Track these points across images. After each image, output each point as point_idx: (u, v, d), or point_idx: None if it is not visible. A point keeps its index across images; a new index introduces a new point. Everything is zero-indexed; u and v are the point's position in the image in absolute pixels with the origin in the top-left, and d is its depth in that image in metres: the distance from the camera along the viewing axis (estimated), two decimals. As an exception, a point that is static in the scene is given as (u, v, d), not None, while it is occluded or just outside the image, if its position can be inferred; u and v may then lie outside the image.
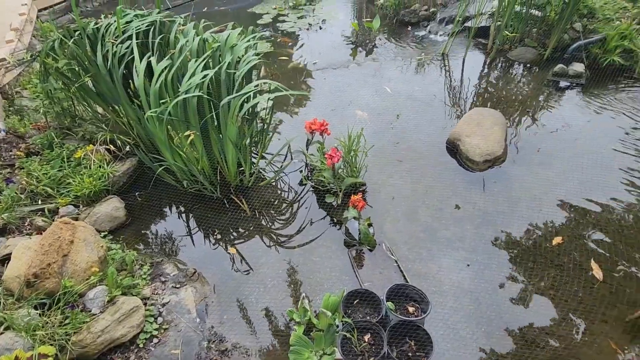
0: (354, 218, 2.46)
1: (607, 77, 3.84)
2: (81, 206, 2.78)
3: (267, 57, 5.00)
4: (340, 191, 2.75)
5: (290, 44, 5.53)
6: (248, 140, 2.87)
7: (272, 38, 5.65)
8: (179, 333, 2.05)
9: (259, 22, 6.40)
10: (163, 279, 2.34)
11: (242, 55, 2.74)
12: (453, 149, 3.15)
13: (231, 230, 2.72)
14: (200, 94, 2.47)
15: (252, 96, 2.50)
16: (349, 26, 5.59)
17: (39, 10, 6.40)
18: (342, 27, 5.74)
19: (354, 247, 2.48)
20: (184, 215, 2.89)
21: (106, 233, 2.64)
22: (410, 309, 2.01)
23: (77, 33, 2.99)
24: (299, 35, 5.71)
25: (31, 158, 2.96)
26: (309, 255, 2.48)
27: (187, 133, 2.52)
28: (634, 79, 3.76)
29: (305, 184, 2.98)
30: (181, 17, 3.23)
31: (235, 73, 2.61)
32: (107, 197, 2.84)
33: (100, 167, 2.90)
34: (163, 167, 2.74)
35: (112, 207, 2.76)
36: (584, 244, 2.36)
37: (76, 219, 2.63)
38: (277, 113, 3.91)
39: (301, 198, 2.92)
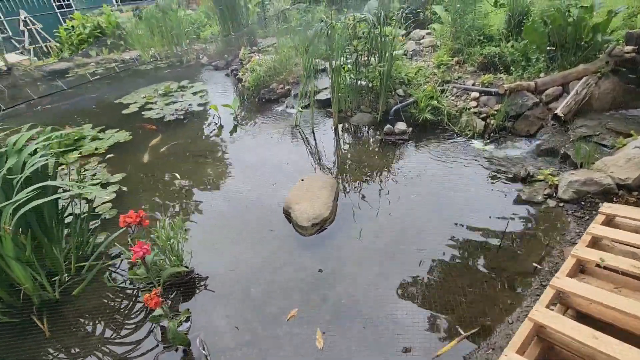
0: (162, 317, 2.22)
1: (426, 131, 4.44)
2: None
3: (134, 145, 4.84)
4: (160, 285, 2.51)
5: (155, 129, 5.47)
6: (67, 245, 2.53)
7: (135, 127, 5.54)
8: None
9: (124, 112, 6.31)
10: None
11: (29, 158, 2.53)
12: (288, 216, 3.19)
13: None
14: (-36, 207, 2.16)
15: (30, 200, 2.26)
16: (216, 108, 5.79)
17: None
18: (208, 112, 5.92)
19: (164, 349, 2.20)
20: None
21: None
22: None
23: None
24: (168, 120, 5.70)
25: None
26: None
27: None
28: (445, 129, 4.39)
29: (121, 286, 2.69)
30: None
31: (14, 179, 2.37)
32: None
33: None
34: None
35: None
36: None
37: None
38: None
39: (120, 303, 2.60)
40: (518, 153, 3.78)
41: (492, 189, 3.30)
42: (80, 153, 4.84)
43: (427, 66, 5.29)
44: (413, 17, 7.01)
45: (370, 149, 4.29)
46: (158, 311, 2.18)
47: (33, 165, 2.44)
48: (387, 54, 4.53)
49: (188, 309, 2.43)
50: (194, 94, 6.82)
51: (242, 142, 4.77)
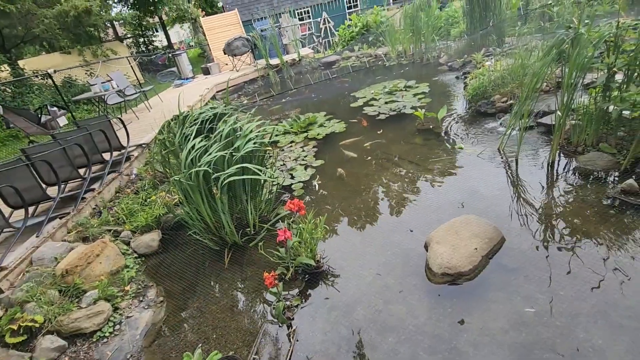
0: (276, 294, 2.71)
1: None
2: (137, 233, 3.99)
3: (344, 137, 5.73)
4: (291, 267, 3.03)
5: (366, 125, 6.12)
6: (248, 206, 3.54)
7: (353, 121, 6.37)
8: (121, 341, 2.75)
9: (352, 104, 7.30)
10: (141, 299, 3.15)
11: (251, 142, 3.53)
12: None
13: (211, 276, 3.35)
14: (206, 168, 3.35)
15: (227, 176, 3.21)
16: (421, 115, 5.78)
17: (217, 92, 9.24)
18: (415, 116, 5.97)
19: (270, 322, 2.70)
20: (194, 257, 3.72)
21: (138, 255, 3.71)
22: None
23: (179, 118, 4.48)
24: (380, 119, 6.24)
25: (128, 196, 4.47)
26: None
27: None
28: None
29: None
30: (244, 111, 4.34)
31: (234, 155, 3.40)
32: (151, 231, 3.98)
33: (158, 209, 4.11)
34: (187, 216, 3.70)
35: (150, 238, 3.86)
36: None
37: (128, 243, 3.83)
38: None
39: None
40: None
41: None
42: (307, 136, 6.10)
43: None
44: None
45: (586, 206, 3.16)
46: (274, 289, 2.69)
47: (247, 148, 3.41)
48: (669, 77, 3.04)
49: (301, 297, 2.83)
50: (415, 95, 6.95)
51: (423, 154, 4.58)
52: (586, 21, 3.58)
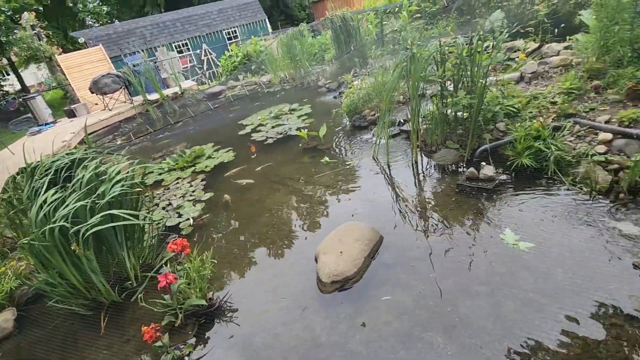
0: (163, 347, 2.44)
1: (522, 179, 3.51)
2: (-20, 318, 3.18)
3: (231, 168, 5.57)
4: (180, 313, 2.77)
5: (255, 150, 6.13)
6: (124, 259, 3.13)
7: (242, 148, 6.31)
8: None
9: (240, 132, 7.26)
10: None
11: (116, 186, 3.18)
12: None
13: (85, 349, 2.85)
14: (63, 223, 2.89)
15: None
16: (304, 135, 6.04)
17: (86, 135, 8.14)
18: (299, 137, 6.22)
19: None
20: (62, 331, 3.12)
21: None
22: None
23: (27, 170, 3.79)
24: (268, 143, 6.31)
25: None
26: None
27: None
28: (553, 181, 3.37)
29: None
30: (112, 152, 3.90)
31: (97, 203, 3.02)
32: (3, 310, 3.23)
33: (9, 282, 3.37)
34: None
35: (1, 320, 3.13)
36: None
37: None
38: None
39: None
40: (657, 231, 2.57)
41: (587, 283, 2.34)
42: (194, 170, 5.81)
43: (549, 93, 4.18)
44: (552, 26, 5.69)
45: (443, 196, 3.68)
46: (158, 343, 2.42)
47: (112, 193, 3.07)
48: (480, 83, 3.80)
49: (192, 344, 2.60)
50: (299, 117, 7.28)
51: (310, 171, 4.80)
52: (418, 42, 4.27)
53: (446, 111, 4.28)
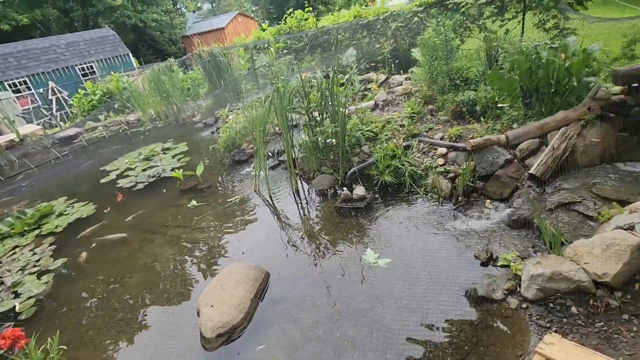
0: None
1: (388, 195, 3.92)
2: None
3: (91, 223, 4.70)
4: None
5: (121, 199, 5.38)
6: None
7: (106, 198, 5.47)
8: None
9: (102, 180, 6.33)
10: None
11: None
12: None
13: None
14: None
15: None
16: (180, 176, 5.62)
17: None
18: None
19: None
20: None
21: None
22: None
23: None
24: (138, 189, 5.61)
25: None
26: None
27: None
28: (412, 192, 3.84)
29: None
30: None
31: None
32: None
33: None
34: None
35: None
36: None
37: None
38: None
39: None
40: (487, 224, 3.15)
41: (445, 280, 2.69)
42: (39, 233, 4.76)
43: (398, 117, 4.85)
44: (394, 60, 6.71)
45: (323, 220, 3.82)
46: None
47: None
48: (341, 112, 4.16)
49: None
50: (174, 156, 6.77)
51: (189, 215, 4.46)
52: (282, 77, 4.47)
53: (317, 139, 4.54)
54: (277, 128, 5.97)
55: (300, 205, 4.29)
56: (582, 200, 2.81)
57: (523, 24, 5.33)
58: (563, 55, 3.28)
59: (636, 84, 3.19)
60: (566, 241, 2.48)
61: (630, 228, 2.23)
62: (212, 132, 7.80)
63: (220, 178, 5.42)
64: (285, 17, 9.04)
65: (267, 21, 29.89)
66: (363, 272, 2.91)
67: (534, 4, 5.19)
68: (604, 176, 2.96)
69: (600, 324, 1.99)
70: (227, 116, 7.20)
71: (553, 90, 3.41)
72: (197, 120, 8.97)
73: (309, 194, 4.46)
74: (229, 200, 4.63)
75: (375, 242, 3.24)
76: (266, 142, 5.71)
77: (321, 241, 3.46)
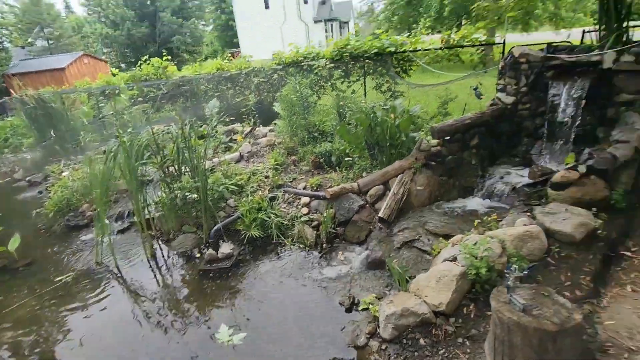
0: None
1: (257, 248, 3.79)
2: None
3: None
4: None
5: None
6: None
7: None
8: None
9: None
10: None
11: None
12: None
13: None
14: None
15: None
16: None
17: None
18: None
19: None
20: None
21: None
22: None
23: None
24: None
25: None
26: None
27: None
28: (280, 244, 3.81)
29: None
30: None
31: None
32: None
33: None
34: None
35: None
36: None
37: None
38: None
39: None
40: (348, 269, 3.32)
41: (315, 333, 2.65)
42: None
43: (264, 168, 4.89)
44: (259, 113, 6.91)
45: (186, 288, 3.40)
46: None
47: None
48: (201, 166, 3.93)
49: None
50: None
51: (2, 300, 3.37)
52: (130, 130, 4.01)
53: (175, 196, 4.14)
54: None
55: (159, 272, 3.74)
56: (419, 237, 3.26)
57: (365, 86, 6.30)
58: (392, 115, 3.93)
59: (448, 137, 4.03)
60: (410, 277, 2.79)
61: (454, 259, 2.66)
62: (40, 192, 6.32)
63: (49, 250, 4.33)
64: (140, 64, 8.43)
65: (123, 65, 27.48)
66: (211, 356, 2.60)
67: (371, 71, 6.21)
68: (432, 215, 3.54)
69: (442, 351, 2.23)
70: (61, 172, 5.99)
71: (389, 143, 4.02)
72: (20, 177, 7.19)
73: (169, 257, 3.95)
74: (57, 279, 3.67)
75: (239, 308, 3.01)
76: (113, 201, 4.94)
77: (175, 318, 3.01)
